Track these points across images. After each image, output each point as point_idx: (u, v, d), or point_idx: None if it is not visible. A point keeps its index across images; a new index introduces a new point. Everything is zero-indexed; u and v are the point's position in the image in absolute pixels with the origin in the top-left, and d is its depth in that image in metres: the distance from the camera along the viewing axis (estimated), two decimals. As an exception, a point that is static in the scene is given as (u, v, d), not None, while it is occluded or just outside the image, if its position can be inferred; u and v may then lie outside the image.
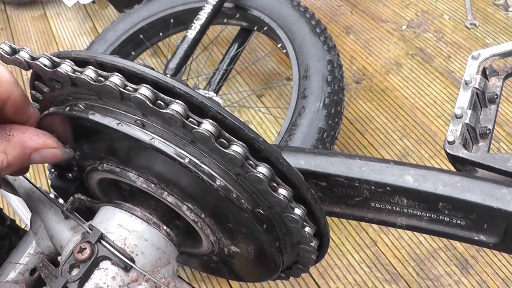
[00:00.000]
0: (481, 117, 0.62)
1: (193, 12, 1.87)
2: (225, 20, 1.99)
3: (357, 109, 2.09)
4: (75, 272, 0.47)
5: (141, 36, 1.92)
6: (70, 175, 0.59)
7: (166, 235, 0.51)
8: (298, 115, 1.74)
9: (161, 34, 1.98)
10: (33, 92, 0.54)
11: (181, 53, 1.82)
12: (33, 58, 0.49)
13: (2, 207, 0.67)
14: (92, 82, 0.44)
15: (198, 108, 0.43)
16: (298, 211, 0.46)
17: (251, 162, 0.43)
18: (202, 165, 0.43)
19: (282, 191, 0.45)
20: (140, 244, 0.49)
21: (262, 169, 0.43)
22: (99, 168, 0.50)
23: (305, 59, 1.84)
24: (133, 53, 1.95)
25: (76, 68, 0.46)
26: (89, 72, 0.44)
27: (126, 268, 0.48)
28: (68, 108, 0.47)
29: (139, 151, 0.45)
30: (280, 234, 0.50)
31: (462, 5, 2.34)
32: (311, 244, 0.50)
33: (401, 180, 0.49)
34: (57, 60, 0.47)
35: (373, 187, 0.50)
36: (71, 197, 0.56)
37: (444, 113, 1.99)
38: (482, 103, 0.62)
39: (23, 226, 0.69)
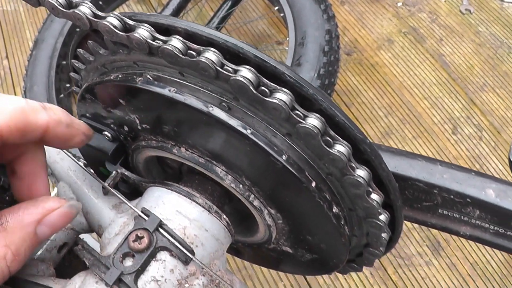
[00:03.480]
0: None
1: (191, -39, 1.75)
2: (222, -26, 1.88)
3: (345, 81, 2.06)
4: (128, 262, 0.42)
5: (132, -21, 1.79)
6: (109, 134, 0.50)
7: (226, 226, 0.47)
8: (291, 83, 1.69)
9: (153, -21, 1.85)
10: (81, 51, 0.47)
11: (175, 4, 1.72)
12: (97, 16, 0.42)
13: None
14: (180, 56, 0.37)
15: (301, 98, 0.38)
16: (383, 217, 0.43)
17: (352, 165, 0.39)
18: (302, 165, 0.39)
19: (375, 197, 0.41)
20: (200, 234, 0.45)
21: (362, 173, 0.39)
22: (174, 151, 0.44)
23: (303, 26, 1.78)
24: (121, -4, 1.82)
25: (157, 35, 0.39)
26: (177, 43, 0.38)
27: (186, 261, 0.43)
28: (140, 79, 0.41)
29: (231, 142, 0.40)
30: (350, 236, 0.46)
31: (458, -12, 2.32)
32: (381, 248, 0.47)
33: (483, 193, 0.47)
34: (131, 22, 0.40)
35: (452, 196, 0.47)
36: (114, 172, 0.50)
37: (431, 96, 1.99)
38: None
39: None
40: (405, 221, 1.70)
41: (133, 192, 0.54)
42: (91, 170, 0.54)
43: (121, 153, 0.51)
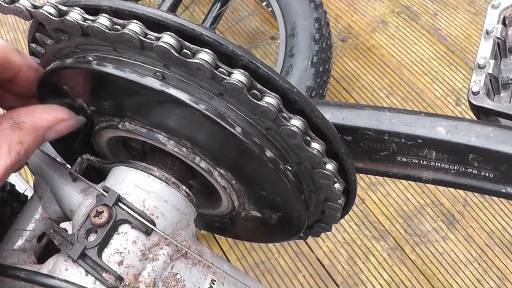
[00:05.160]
0: (501, 67, 0.60)
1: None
2: (207, -23, 1.91)
3: (343, 67, 2.06)
4: (92, 237, 0.44)
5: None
6: None
7: (186, 196, 0.48)
8: (285, 74, 1.70)
9: (141, -9, 1.89)
10: (33, 45, 0.50)
11: (164, 9, 1.75)
12: (35, 7, 0.44)
13: None
14: (107, 31, 0.40)
15: (226, 58, 0.39)
16: (330, 166, 0.44)
17: (285, 115, 0.40)
18: (242, 123, 0.40)
19: (316, 145, 0.42)
20: (160, 205, 0.47)
21: (296, 122, 0.40)
22: (120, 126, 0.46)
23: (291, 17, 1.79)
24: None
25: (86, 16, 0.41)
26: (103, 20, 0.40)
27: (147, 232, 0.45)
28: (77, 60, 0.43)
29: (166, 108, 0.42)
30: (306, 192, 0.48)
31: (447, -39, 2.31)
32: (339, 201, 0.48)
33: (433, 132, 0.47)
34: (64, 8, 0.43)
35: (403, 140, 0.48)
36: (79, 158, 0.52)
37: (431, 71, 1.98)
38: (503, 53, 0.60)
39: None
40: (414, 196, 1.69)
41: (104, 177, 0.56)
42: (63, 161, 0.57)
43: (87, 142, 0.54)
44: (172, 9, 1.77)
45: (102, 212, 0.44)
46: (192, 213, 0.50)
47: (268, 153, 0.41)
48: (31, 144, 0.43)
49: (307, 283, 1.65)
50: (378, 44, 2.10)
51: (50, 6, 0.43)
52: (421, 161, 0.51)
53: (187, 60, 0.38)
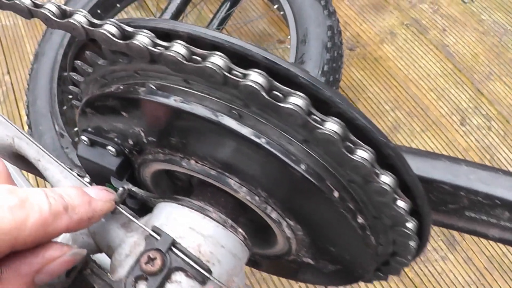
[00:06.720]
0: None
1: (187, -36, 1.73)
2: (219, -25, 1.85)
3: (349, 77, 2.03)
4: (142, 285, 0.40)
5: (129, -14, 1.77)
6: (113, 149, 0.47)
7: (243, 240, 0.44)
8: (295, 82, 1.66)
9: (150, -16, 1.83)
10: (79, 63, 0.44)
11: (173, 8, 1.69)
12: (93, 25, 0.39)
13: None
14: (185, 62, 0.35)
15: (319, 102, 0.35)
16: (410, 225, 0.40)
17: (376, 171, 0.36)
18: (322, 173, 0.36)
19: (401, 204, 0.38)
20: (216, 251, 0.42)
21: (387, 179, 0.36)
22: (183, 164, 0.41)
23: (304, 23, 1.75)
24: (118, 5, 1.79)
25: (158, 41, 0.37)
26: (179, 48, 0.35)
27: (203, 281, 0.41)
28: (143, 90, 0.38)
29: (251, 157, 0.37)
30: (375, 244, 0.44)
31: (458, -24, 2.29)
32: (409, 256, 0.44)
33: (514, 194, 0.44)
34: (129, 29, 0.38)
35: (479, 198, 0.44)
36: (121, 188, 0.47)
37: (437, 87, 1.96)
38: None
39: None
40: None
41: (142, 207, 0.51)
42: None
43: (127, 167, 0.49)
44: (183, 5, 1.71)
45: (155, 258, 0.40)
46: (246, 257, 0.45)
47: (360, 219, 0.37)
48: None
49: (303, 297, 1.62)
50: (386, 56, 2.07)
51: (113, 25, 0.38)
52: (490, 219, 0.47)
53: (279, 104, 0.33)
